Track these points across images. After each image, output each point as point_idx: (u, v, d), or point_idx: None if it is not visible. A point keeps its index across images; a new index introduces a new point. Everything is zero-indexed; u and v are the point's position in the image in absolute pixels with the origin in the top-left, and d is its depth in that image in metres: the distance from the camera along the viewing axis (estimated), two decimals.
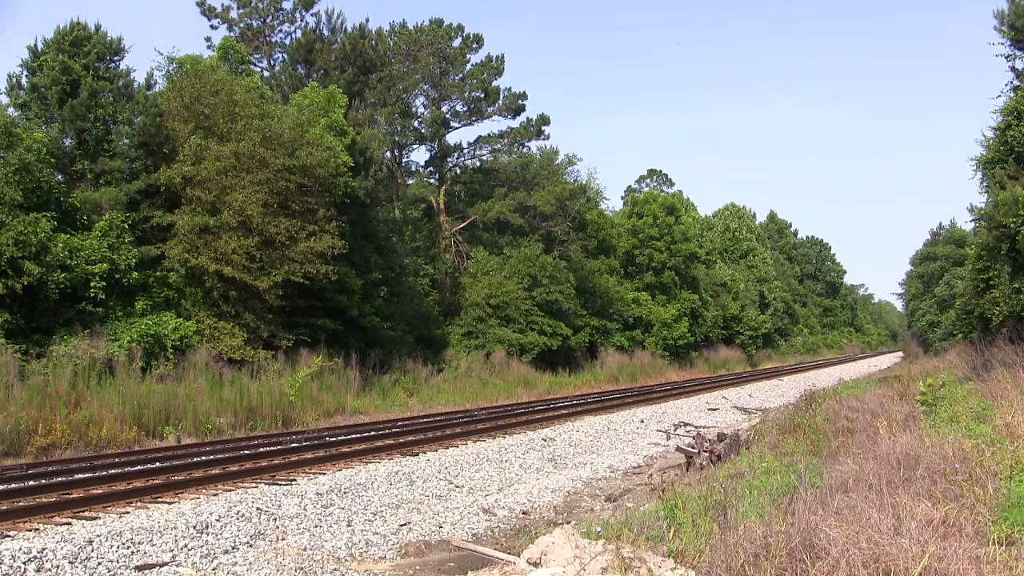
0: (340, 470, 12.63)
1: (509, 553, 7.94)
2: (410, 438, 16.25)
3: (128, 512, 9.46)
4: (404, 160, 42.22)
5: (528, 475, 14.06)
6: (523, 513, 11.43)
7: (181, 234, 22.08)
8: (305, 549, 8.86)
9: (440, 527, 10.33)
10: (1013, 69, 21.74)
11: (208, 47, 33.85)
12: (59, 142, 22.52)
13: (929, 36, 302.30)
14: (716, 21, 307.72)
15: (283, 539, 9.14)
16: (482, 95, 40.43)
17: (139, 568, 7.82)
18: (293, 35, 34.55)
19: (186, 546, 8.44)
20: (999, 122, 21.20)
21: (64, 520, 8.96)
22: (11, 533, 8.37)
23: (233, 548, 8.66)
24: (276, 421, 19.25)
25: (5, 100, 23.32)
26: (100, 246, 20.55)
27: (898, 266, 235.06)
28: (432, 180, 42.36)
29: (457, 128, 41.94)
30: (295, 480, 11.63)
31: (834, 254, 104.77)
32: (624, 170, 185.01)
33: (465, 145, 43.87)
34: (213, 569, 8.08)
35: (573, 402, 26.20)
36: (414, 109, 40.31)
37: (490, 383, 30.23)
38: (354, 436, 16.54)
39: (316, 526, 9.72)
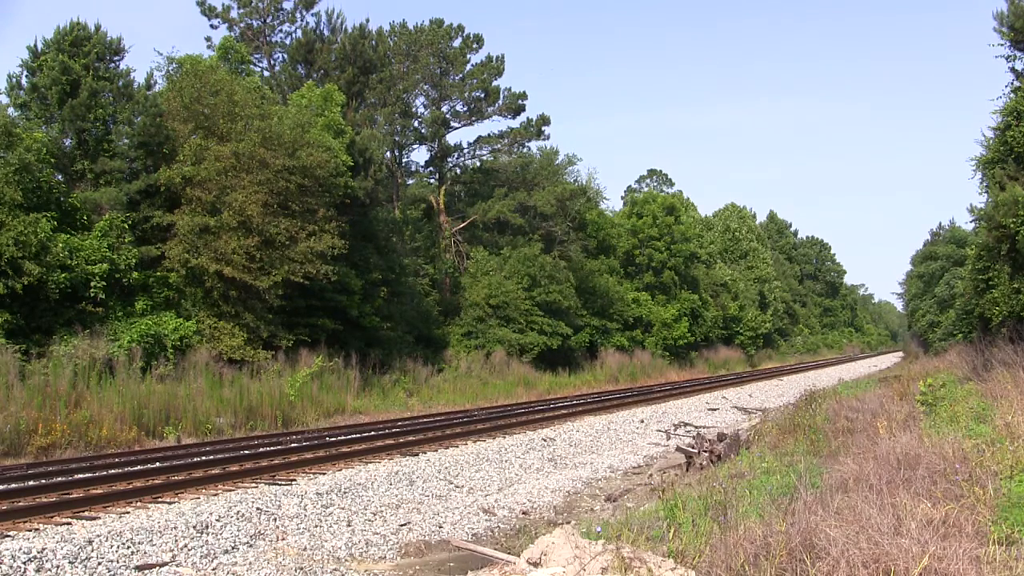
0: (340, 470, 12.63)
1: (509, 553, 7.94)
2: (410, 438, 16.24)
3: (128, 512, 9.45)
4: (404, 160, 42.26)
5: (528, 475, 14.06)
6: (523, 513, 11.43)
7: (181, 234, 22.08)
8: (305, 549, 8.86)
9: (440, 527, 10.33)
10: (1013, 70, 21.74)
11: (208, 47, 33.94)
12: (59, 142, 22.53)
13: (929, 36, 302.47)
14: (716, 21, 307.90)
15: (283, 539, 9.14)
16: (482, 95, 40.42)
17: (139, 568, 7.82)
18: (293, 35, 34.65)
19: (186, 546, 8.44)
20: (999, 122, 21.20)
21: (64, 520, 8.96)
22: (11, 533, 8.37)
23: (233, 548, 8.66)
24: (276, 421, 19.25)
25: (5, 100, 23.38)
26: (100, 246, 20.54)
27: (898, 266, 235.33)
28: (432, 180, 42.36)
29: (457, 128, 41.99)
30: (295, 480, 11.63)
31: (834, 254, 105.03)
32: (624, 170, 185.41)
33: (465, 145, 43.93)
34: (213, 569, 8.08)
35: (573, 402, 26.18)
36: (414, 109, 40.33)
37: (490, 383, 30.23)
38: (354, 436, 16.54)
39: (316, 526, 9.72)
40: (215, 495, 10.50)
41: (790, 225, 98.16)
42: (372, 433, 17.09)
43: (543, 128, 41.81)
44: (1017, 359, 15.70)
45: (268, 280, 22.11)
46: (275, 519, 9.67)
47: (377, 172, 30.23)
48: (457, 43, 40.21)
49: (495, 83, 40.42)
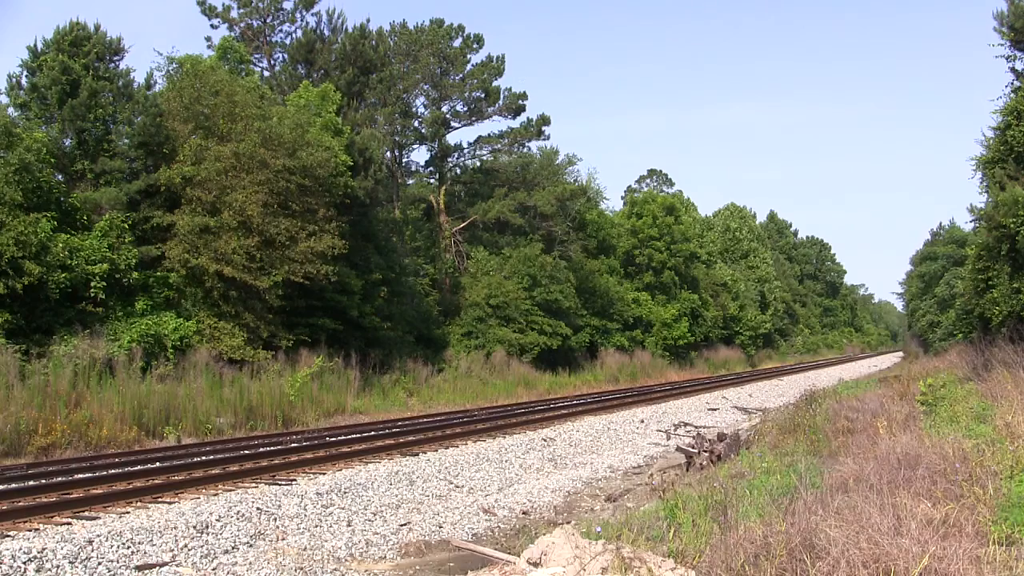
0: (340, 470, 12.63)
1: (509, 553, 7.94)
2: (410, 438, 16.25)
3: (128, 512, 9.45)
4: (404, 160, 42.24)
5: (528, 475, 14.06)
6: (523, 513, 11.43)
7: (181, 234, 22.08)
8: (305, 549, 8.86)
9: (440, 527, 10.33)
10: (1013, 70, 21.75)
11: (208, 47, 33.91)
12: (59, 142, 22.52)
13: (929, 36, 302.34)
14: (716, 20, 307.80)
15: (283, 539, 9.14)
16: (482, 95, 40.42)
17: (139, 568, 7.82)
18: (293, 35, 34.59)
19: (186, 546, 8.44)
20: (999, 122, 21.21)
21: (64, 520, 8.96)
22: (11, 533, 8.37)
23: (233, 548, 8.66)
24: (276, 421, 19.25)
25: (5, 100, 23.37)
26: (100, 246, 20.54)
27: (898, 266, 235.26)
28: (432, 180, 42.35)
29: (457, 128, 41.99)
30: (295, 480, 11.63)
31: (834, 254, 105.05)
32: (624, 170, 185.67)
33: (465, 145, 43.91)
34: (213, 569, 8.08)
35: (573, 402, 26.19)
36: (414, 109, 40.32)
37: (490, 383, 30.22)
38: (354, 436, 16.54)
39: (316, 526, 9.72)
40: (215, 495, 10.50)
41: (790, 225, 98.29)
42: (372, 433, 17.10)
43: (543, 128, 41.82)
44: (1017, 359, 15.70)
45: (268, 280, 22.12)
46: (275, 519, 9.67)
47: (377, 172, 30.23)
48: (457, 43, 40.22)
49: (495, 83, 40.45)
